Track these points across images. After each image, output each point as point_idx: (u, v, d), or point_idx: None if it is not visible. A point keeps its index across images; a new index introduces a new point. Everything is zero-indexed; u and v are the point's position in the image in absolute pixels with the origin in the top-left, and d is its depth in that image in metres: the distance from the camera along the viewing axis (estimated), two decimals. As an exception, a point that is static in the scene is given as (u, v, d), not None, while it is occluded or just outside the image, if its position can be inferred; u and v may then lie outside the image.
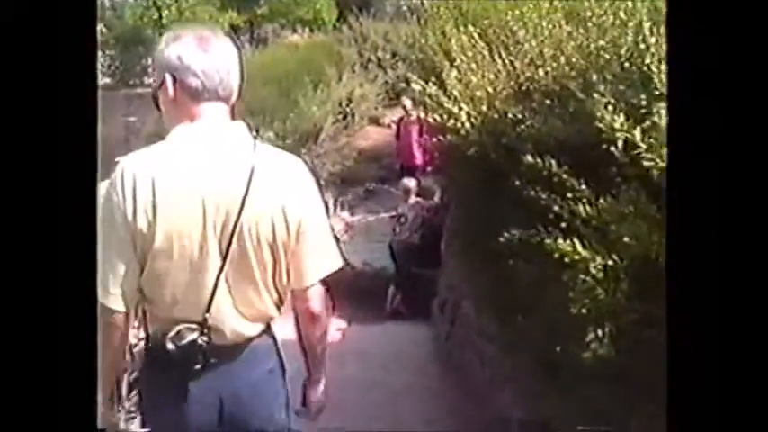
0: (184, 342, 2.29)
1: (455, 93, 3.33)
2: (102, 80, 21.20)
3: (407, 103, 12.22)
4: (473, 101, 3.25)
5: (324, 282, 2.46)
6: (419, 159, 11.84)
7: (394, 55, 17.83)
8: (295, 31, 20.94)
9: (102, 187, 2.24)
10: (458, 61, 3.52)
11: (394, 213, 10.87)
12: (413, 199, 9.66)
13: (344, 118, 15.08)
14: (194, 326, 2.30)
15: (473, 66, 3.44)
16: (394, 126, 13.76)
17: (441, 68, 3.79)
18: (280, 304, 2.43)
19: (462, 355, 6.26)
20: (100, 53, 19.73)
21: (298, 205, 2.32)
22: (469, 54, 3.52)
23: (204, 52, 2.29)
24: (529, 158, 2.48)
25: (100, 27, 21.97)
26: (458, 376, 6.12)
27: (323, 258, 2.43)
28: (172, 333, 2.29)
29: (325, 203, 10.49)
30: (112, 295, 2.25)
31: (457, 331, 6.64)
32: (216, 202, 2.23)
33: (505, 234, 2.55)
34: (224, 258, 2.26)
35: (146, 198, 2.20)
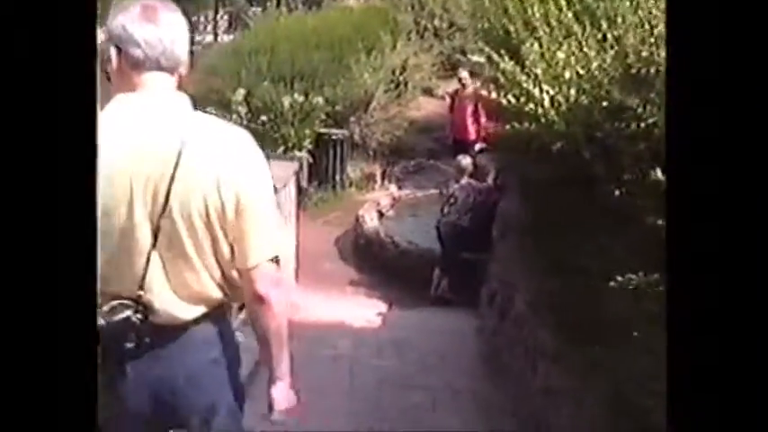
0: (117, 318, 2.24)
1: (536, 71, 2.72)
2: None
3: (464, 74, 11.69)
4: (559, 82, 2.63)
5: (276, 261, 2.34)
6: (473, 134, 11.41)
7: (451, 25, 17.28)
8: (351, -6, 20.41)
9: None
10: (540, 33, 2.89)
11: (443, 190, 10.39)
12: (465, 180, 9.10)
13: (397, 87, 14.47)
14: (129, 302, 2.25)
15: (560, 38, 2.81)
16: (448, 98, 13.25)
17: (517, 41, 3.15)
18: (225, 286, 2.34)
19: (512, 357, 5.73)
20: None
21: (234, 179, 2.23)
22: (554, 23, 2.88)
23: (148, 21, 2.25)
24: (658, 173, 1.83)
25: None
26: (505, 381, 5.61)
27: (269, 237, 2.32)
28: (105, 308, 2.23)
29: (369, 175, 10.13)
30: None
31: (507, 328, 6.11)
32: (145, 174, 2.19)
33: (619, 277, 1.94)
34: (155, 233, 2.22)
35: None
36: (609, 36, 2.73)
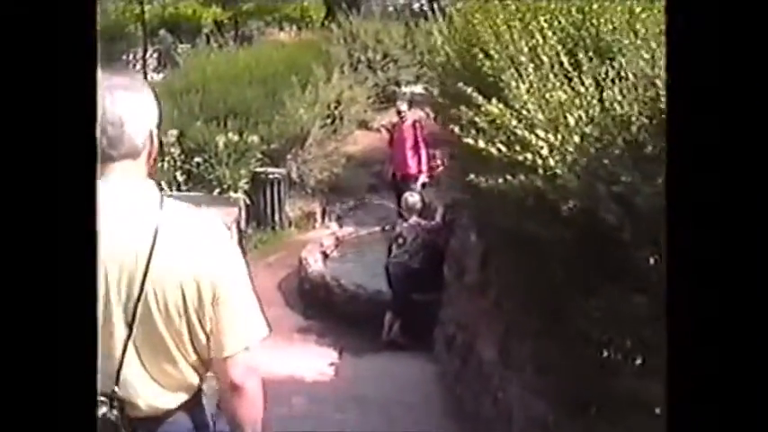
0: None
1: (528, 114, 2.40)
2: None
3: (403, 107, 11.43)
4: (555, 125, 2.32)
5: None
6: (413, 168, 11.09)
7: (385, 56, 17.20)
8: (282, 28, 20.18)
9: None
10: (528, 71, 2.58)
11: (387, 226, 10.11)
12: (413, 219, 8.75)
13: (333, 122, 14.19)
14: (104, 399, 2.15)
15: (549, 75, 2.50)
16: (384, 131, 13.02)
17: (495, 78, 2.83)
18: (200, 371, 2.28)
19: (478, 405, 5.44)
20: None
21: (212, 271, 2.17)
22: (544, 59, 2.57)
23: (102, 106, 2.06)
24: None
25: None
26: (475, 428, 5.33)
27: (245, 325, 2.25)
28: None
29: (315, 215, 9.77)
30: None
31: (469, 376, 5.83)
32: (118, 266, 2.10)
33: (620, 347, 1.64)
34: (130, 326, 2.13)
35: None
36: (629, 73, 2.43)
